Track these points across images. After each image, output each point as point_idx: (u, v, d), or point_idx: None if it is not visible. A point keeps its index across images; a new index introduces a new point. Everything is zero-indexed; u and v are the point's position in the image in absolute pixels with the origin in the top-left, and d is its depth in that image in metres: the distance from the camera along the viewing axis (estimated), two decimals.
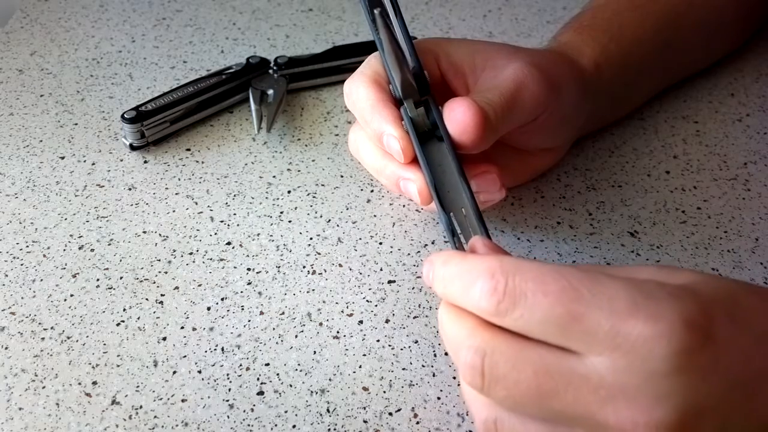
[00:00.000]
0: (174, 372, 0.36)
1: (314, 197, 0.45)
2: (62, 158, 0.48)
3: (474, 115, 0.34)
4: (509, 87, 0.37)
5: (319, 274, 0.40)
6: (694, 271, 0.28)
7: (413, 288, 0.39)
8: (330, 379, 0.35)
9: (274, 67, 0.53)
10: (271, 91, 0.51)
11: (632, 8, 0.48)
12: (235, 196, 0.45)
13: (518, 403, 0.26)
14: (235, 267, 0.41)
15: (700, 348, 0.23)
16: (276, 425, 0.33)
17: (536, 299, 0.25)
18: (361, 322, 0.38)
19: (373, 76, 0.38)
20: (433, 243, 0.42)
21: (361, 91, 0.38)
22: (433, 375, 0.35)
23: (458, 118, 0.34)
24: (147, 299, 0.39)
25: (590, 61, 0.44)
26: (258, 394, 0.35)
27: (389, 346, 0.37)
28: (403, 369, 0.36)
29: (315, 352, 0.36)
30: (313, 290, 0.39)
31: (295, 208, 0.44)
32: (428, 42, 0.40)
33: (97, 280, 0.40)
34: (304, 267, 0.41)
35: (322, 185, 0.46)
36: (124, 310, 0.38)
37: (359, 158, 0.40)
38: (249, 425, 0.33)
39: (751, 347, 0.25)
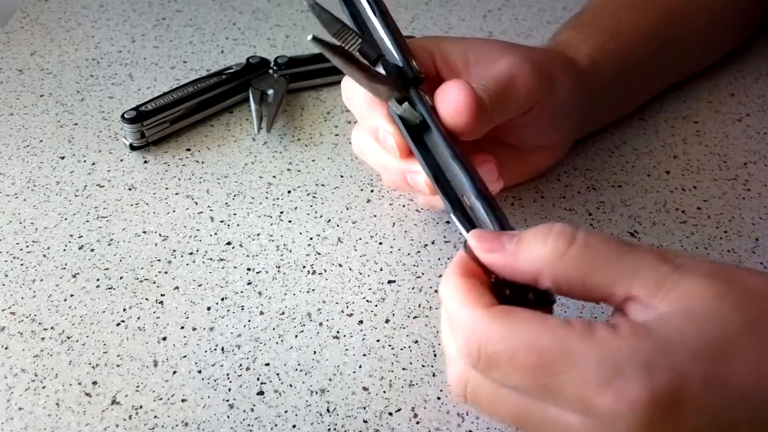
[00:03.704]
0: (174, 372, 0.36)
1: (314, 197, 0.45)
2: (62, 158, 0.48)
3: (467, 96, 0.34)
4: (503, 76, 0.37)
5: (319, 274, 0.40)
6: (708, 275, 0.27)
7: (413, 288, 0.39)
8: (330, 379, 0.35)
9: (274, 67, 0.53)
10: (271, 91, 0.51)
11: (631, 7, 0.48)
12: (235, 196, 0.45)
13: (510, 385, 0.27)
14: (235, 267, 0.41)
15: (666, 416, 0.24)
16: (276, 425, 0.33)
17: (508, 370, 0.26)
18: (361, 322, 0.38)
19: None
20: (433, 243, 0.42)
21: (356, 89, 0.38)
22: (433, 375, 0.35)
23: (451, 99, 0.34)
24: (147, 299, 0.39)
25: (586, 57, 0.44)
26: (258, 394, 0.35)
27: (389, 346, 0.37)
28: (403, 369, 0.36)
29: (315, 352, 0.36)
30: (313, 290, 0.39)
31: (295, 208, 0.44)
32: (423, 40, 0.40)
33: (97, 280, 0.40)
34: (304, 267, 0.41)
35: (322, 185, 0.46)
36: (124, 310, 0.38)
37: (364, 158, 0.41)
38: (249, 425, 0.33)
39: (722, 405, 0.25)
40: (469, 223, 0.33)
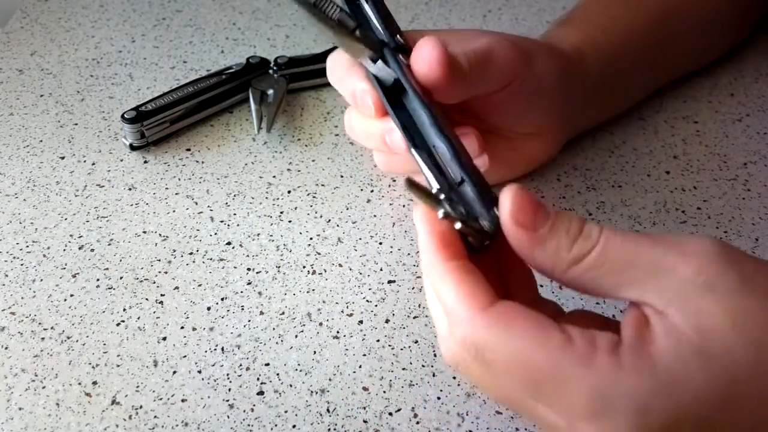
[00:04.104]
0: (174, 372, 0.36)
1: (314, 197, 0.45)
2: (62, 158, 0.48)
3: (439, 51, 0.34)
4: (481, 47, 0.37)
5: (319, 274, 0.40)
6: (735, 291, 0.25)
7: (413, 288, 0.39)
8: (330, 379, 0.35)
9: (274, 67, 0.53)
10: (271, 91, 0.51)
11: (625, 4, 0.49)
12: (235, 196, 0.45)
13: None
14: (235, 267, 0.41)
15: None
16: (276, 425, 0.33)
17: (501, 376, 0.26)
18: (361, 322, 0.38)
19: None
20: None
21: (337, 59, 0.39)
22: (433, 375, 0.35)
23: (424, 55, 0.35)
24: (147, 299, 0.39)
25: (572, 48, 0.44)
26: (258, 394, 0.35)
27: (389, 346, 0.37)
28: (403, 369, 0.36)
29: (315, 352, 0.36)
30: (313, 290, 0.39)
31: (295, 208, 0.44)
32: (410, 32, 0.40)
33: (97, 280, 0.40)
34: (304, 267, 0.41)
35: (322, 185, 0.46)
36: (124, 310, 0.38)
37: (353, 136, 0.41)
38: (249, 425, 0.33)
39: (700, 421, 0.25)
40: (439, 172, 0.31)
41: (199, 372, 0.36)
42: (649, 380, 0.24)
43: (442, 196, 0.29)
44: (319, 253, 0.42)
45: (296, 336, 0.37)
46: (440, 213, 0.28)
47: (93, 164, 0.48)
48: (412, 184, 0.27)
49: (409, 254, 0.41)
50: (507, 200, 0.27)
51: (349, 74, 0.38)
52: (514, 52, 0.39)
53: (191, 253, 0.41)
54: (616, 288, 0.26)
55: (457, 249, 0.28)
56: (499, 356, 0.26)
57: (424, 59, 0.35)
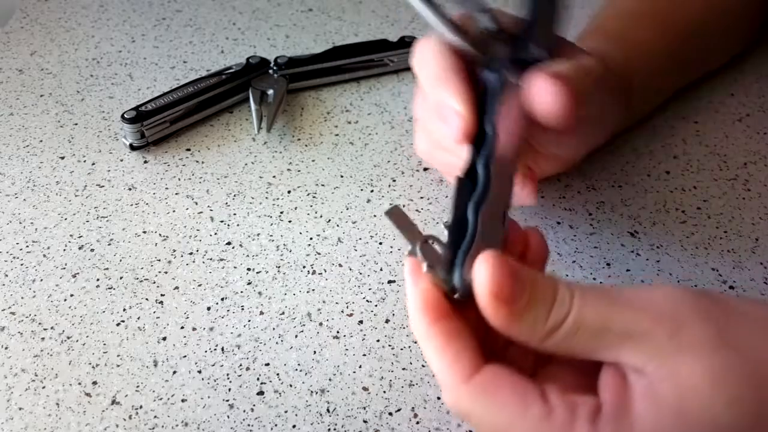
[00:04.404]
0: (174, 372, 0.36)
1: (314, 197, 0.45)
2: (62, 158, 0.48)
3: (566, 103, 0.32)
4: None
5: (319, 274, 0.40)
6: (711, 348, 0.25)
7: None
8: (330, 379, 0.35)
9: (274, 67, 0.53)
10: (271, 91, 0.51)
11: (651, 26, 0.48)
12: (235, 196, 0.45)
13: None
14: (235, 267, 0.41)
15: None
16: (276, 425, 0.33)
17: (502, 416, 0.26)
18: (361, 322, 0.38)
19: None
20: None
21: (437, 50, 0.35)
22: (433, 375, 0.35)
23: (547, 100, 0.32)
24: (147, 299, 0.39)
25: (617, 68, 0.43)
26: (258, 394, 0.35)
27: (389, 346, 0.37)
28: (403, 369, 0.36)
29: (315, 352, 0.36)
30: (313, 290, 0.39)
31: (295, 208, 0.44)
32: (566, 45, 0.37)
33: (97, 280, 0.40)
34: (304, 267, 0.41)
35: (322, 185, 0.46)
36: (124, 310, 0.38)
37: (416, 115, 0.39)
38: (249, 425, 0.33)
39: None
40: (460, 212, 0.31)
41: (199, 372, 0.36)
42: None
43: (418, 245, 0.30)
44: (319, 253, 0.41)
45: (296, 336, 0.37)
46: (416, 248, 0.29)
47: (93, 164, 0.48)
48: (394, 214, 0.27)
49: None
50: (484, 273, 0.26)
51: (447, 77, 0.33)
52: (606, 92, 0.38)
53: (191, 253, 0.41)
54: (593, 351, 0.26)
55: (443, 307, 0.28)
56: (484, 424, 0.27)
57: (547, 104, 0.32)
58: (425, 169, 0.47)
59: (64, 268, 0.41)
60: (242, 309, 0.38)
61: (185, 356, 0.36)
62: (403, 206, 0.44)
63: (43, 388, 0.35)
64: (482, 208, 0.30)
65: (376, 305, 0.39)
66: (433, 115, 0.35)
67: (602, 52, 0.43)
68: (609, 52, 0.44)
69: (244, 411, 0.34)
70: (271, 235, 0.43)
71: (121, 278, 0.40)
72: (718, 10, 0.51)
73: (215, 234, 0.43)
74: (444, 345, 0.27)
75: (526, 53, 0.34)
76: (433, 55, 0.34)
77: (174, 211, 0.44)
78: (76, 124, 0.51)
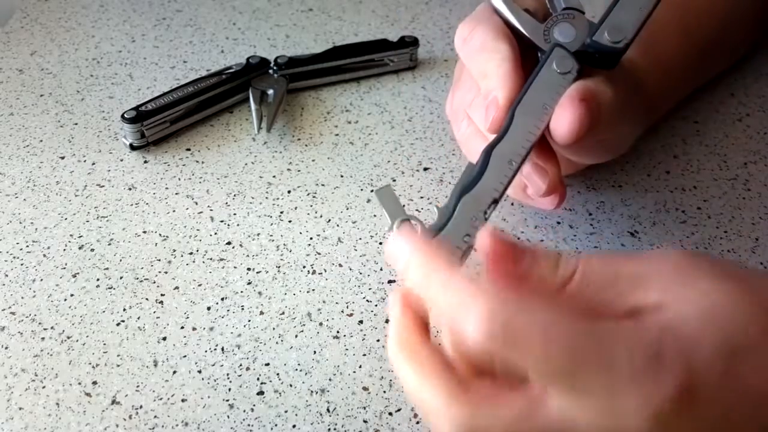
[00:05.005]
0: (174, 372, 0.36)
1: (314, 197, 0.45)
2: (62, 158, 0.48)
3: (581, 127, 0.32)
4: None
5: (319, 274, 0.40)
6: (716, 276, 0.26)
7: None
8: (330, 379, 0.35)
9: (274, 67, 0.53)
10: (271, 91, 0.51)
11: (676, 33, 0.47)
12: (235, 196, 0.45)
13: None
14: (235, 267, 0.41)
15: (678, 413, 0.24)
16: (276, 425, 0.33)
17: (539, 355, 0.24)
18: (361, 322, 0.38)
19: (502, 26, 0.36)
20: None
21: (479, 30, 0.36)
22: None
23: (568, 129, 0.33)
24: (147, 299, 0.39)
25: (646, 80, 0.43)
26: (258, 394, 0.35)
27: None
28: None
29: (315, 352, 0.36)
30: (313, 290, 0.39)
31: (295, 208, 0.44)
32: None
33: (97, 280, 0.40)
34: (304, 267, 0.41)
35: (322, 185, 0.46)
36: (124, 310, 0.38)
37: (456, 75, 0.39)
38: (249, 425, 0.33)
39: (733, 402, 0.25)
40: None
41: (199, 372, 0.36)
42: (670, 337, 0.25)
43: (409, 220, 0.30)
44: (319, 253, 0.41)
45: (296, 336, 0.37)
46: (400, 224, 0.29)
47: (93, 164, 0.48)
48: (384, 194, 0.27)
49: None
50: (486, 240, 0.27)
51: (495, 48, 0.34)
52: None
53: (191, 253, 0.41)
54: (610, 302, 0.27)
55: (424, 331, 0.28)
56: (537, 327, 0.25)
57: (565, 129, 0.33)
58: (425, 169, 0.47)
59: (64, 268, 0.41)
60: (242, 309, 0.38)
61: (185, 356, 0.36)
62: (404, 206, 0.44)
63: (43, 388, 0.35)
64: (465, 196, 0.31)
65: (376, 305, 0.39)
66: (479, 102, 0.36)
67: (631, 63, 0.42)
68: (637, 63, 0.43)
69: (244, 411, 0.34)
70: (271, 235, 0.43)
71: (121, 278, 0.40)
72: (737, 12, 0.51)
73: (215, 234, 0.43)
74: (431, 360, 0.27)
75: (594, 43, 0.34)
76: (483, 42, 0.35)
77: (174, 211, 0.44)
78: (76, 124, 0.51)
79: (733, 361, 0.25)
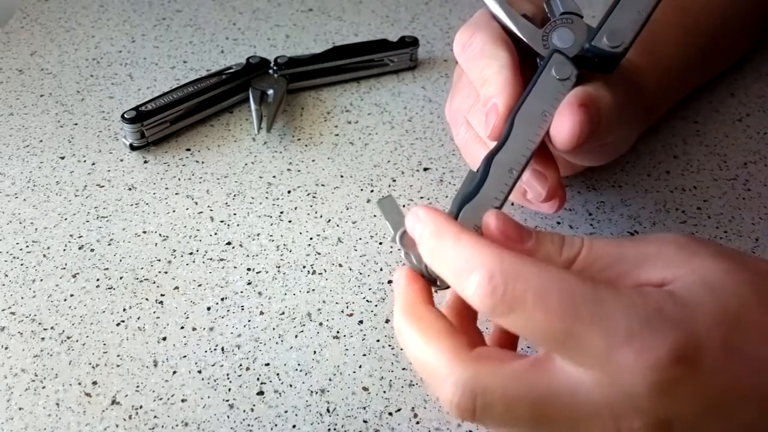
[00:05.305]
0: (174, 372, 0.36)
1: (314, 197, 0.45)
2: (62, 158, 0.48)
3: (582, 134, 0.32)
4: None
5: (319, 274, 0.40)
6: (717, 254, 0.27)
7: None
8: (330, 379, 0.35)
9: (274, 67, 0.53)
10: (271, 91, 0.51)
11: (677, 34, 0.47)
12: (235, 196, 0.45)
13: (509, 426, 0.26)
14: (235, 267, 0.41)
15: (681, 378, 0.24)
16: (276, 425, 0.33)
17: (536, 312, 0.25)
18: (361, 322, 0.38)
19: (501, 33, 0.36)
20: None
21: (478, 33, 0.36)
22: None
23: (568, 134, 0.32)
24: (147, 299, 0.39)
25: (646, 82, 0.42)
26: (258, 394, 0.35)
27: (389, 346, 0.37)
28: (403, 369, 0.36)
29: (315, 352, 0.36)
30: (313, 290, 0.39)
31: (295, 208, 0.44)
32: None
33: (97, 280, 0.40)
34: (304, 267, 0.41)
35: (322, 185, 0.46)
36: (124, 310, 0.38)
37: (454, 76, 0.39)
38: (249, 425, 0.33)
39: (737, 373, 0.25)
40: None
41: (199, 372, 0.36)
42: (671, 303, 0.25)
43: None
44: (319, 253, 0.42)
45: (296, 336, 0.37)
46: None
47: (93, 164, 0.48)
48: (385, 203, 0.28)
49: None
50: (491, 221, 0.28)
51: (494, 54, 0.35)
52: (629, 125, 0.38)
53: (191, 253, 0.42)
54: (615, 280, 0.27)
55: (428, 296, 0.29)
56: (533, 284, 0.25)
57: (565, 135, 0.32)
58: (425, 169, 0.47)
59: (64, 268, 0.41)
60: (242, 309, 0.38)
61: (185, 356, 0.36)
62: (404, 206, 0.44)
63: (43, 388, 0.35)
64: (467, 205, 0.31)
65: (376, 305, 0.39)
66: (478, 108, 0.36)
67: (630, 64, 0.42)
68: (636, 63, 0.42)
69: (244, 411, 0.34)
70: (271, 235, 0.43)
71: (121, 278, 0.40)
72: (737, 11, 0.51)
73: (215, 234, 0.43)
74: (436, 324, 0.28)
75: (593, 47, 0.34)
76: (482, 49, 0.35)
77: (174, 211, 0.44)
78: (76, 124, 0.51)
79: (734, 332, 0.25)
